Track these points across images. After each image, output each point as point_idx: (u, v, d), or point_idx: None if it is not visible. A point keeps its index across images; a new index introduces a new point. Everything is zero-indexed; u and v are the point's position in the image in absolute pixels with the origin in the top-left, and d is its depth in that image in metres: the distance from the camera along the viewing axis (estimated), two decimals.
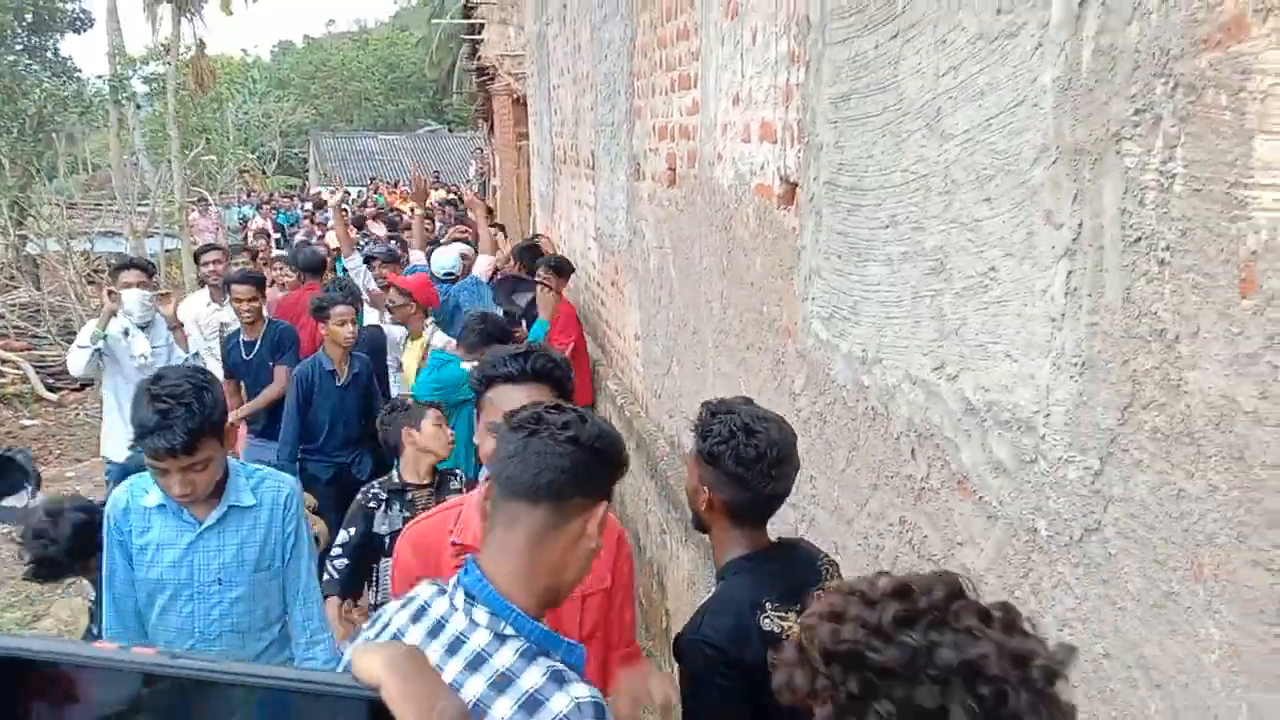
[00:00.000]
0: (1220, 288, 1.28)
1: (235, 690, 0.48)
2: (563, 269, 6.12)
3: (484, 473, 2.26)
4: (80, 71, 24.63)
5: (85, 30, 24.55)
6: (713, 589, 2.02)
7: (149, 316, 5.55)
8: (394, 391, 5.85)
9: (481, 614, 1.48)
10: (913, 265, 2.17)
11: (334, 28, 62.24)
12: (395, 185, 27.09)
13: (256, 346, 5.65)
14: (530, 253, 6.82)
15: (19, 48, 23.87)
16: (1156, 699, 1.43)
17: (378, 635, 1.58)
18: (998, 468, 1.84)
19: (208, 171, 21.31)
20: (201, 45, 22.23)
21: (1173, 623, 1.39)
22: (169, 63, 19.44)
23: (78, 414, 11.51)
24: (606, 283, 6.46)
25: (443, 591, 1.56)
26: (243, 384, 5.67)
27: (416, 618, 1.55)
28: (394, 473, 3.62)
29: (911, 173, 2.17)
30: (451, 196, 21.22)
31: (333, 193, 17.08)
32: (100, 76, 22.78)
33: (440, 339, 5.36)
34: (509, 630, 1.46)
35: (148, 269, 5.97)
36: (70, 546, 2.99)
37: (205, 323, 6.37)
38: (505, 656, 1.44)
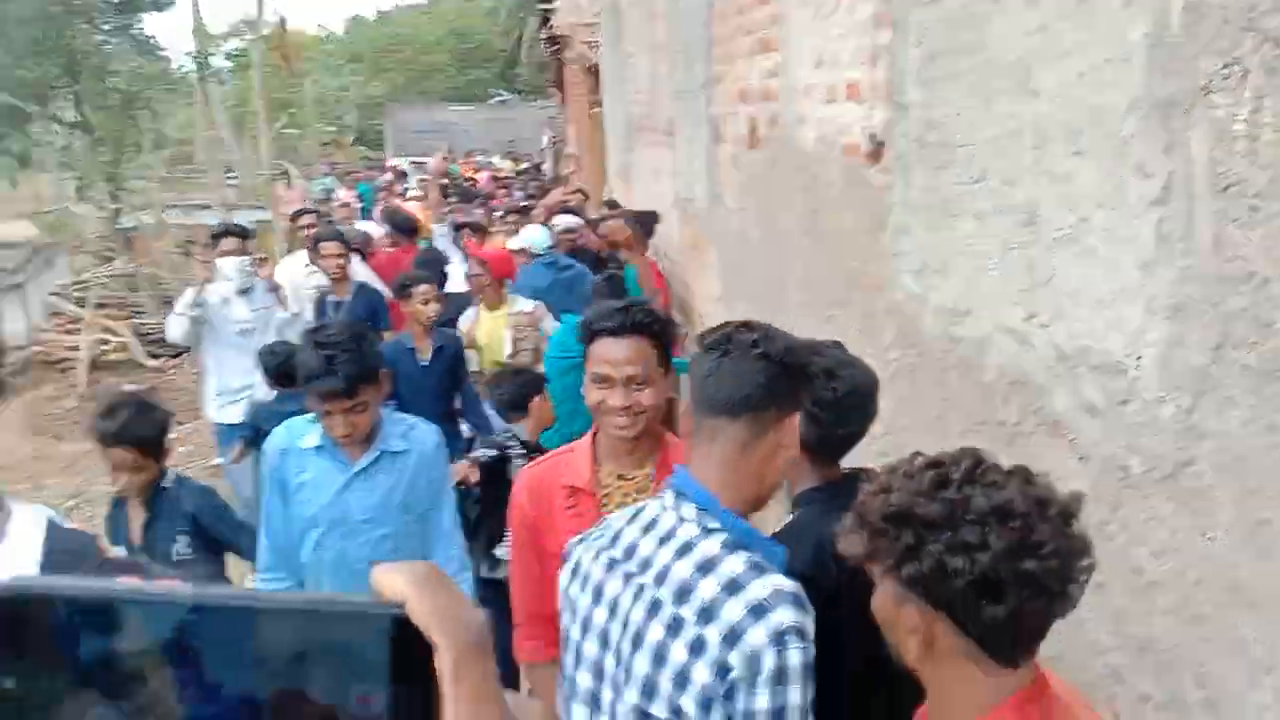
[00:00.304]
0: None
1: (258, 616, 0.46)
2: (648, 223, 6.21)
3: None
4: (165, 49, 25.33)
5: (167, 8, 25.16)
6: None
7: (249, 283, 5.75)
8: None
9: (689, 510, 1.60)
10: (1003, 218, 2.25)
11: (402, 0, 62.82)
12: (469, 155, 27.40)
13: (348, 307, 5.74)
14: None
15: (106, 28, 24.60)
16: (1249, 620, 1.52)
17: (600, 536, 1.76)
18: (1090, 410, 1.93)
19: (291, 145, 21.82)
20: (283, 21, 22.68)
21: (1265, 548, 1.48)
22: (252, 38, 19.89)
23: (177, 379, 12.01)
24: (687, 247, 6.57)
25: (655, 498, 1.72)
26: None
27: (632, 518, 1.71)
28: (508, 434, 3.86)
29: (1001, 129, 2.24)
30: (525, 166, 21.44)
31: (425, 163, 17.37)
32: (186, 53, 23.45)
33: (527, 303, 5.49)
34: (714, 524, 1.58)
35: (244, 234, 6.14)
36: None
37: (302, 284, 6.48)
38: (710, 546, 1.56)
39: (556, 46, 17.16)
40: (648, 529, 1.66)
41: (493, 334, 5.42)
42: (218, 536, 3.37)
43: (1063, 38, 1.97)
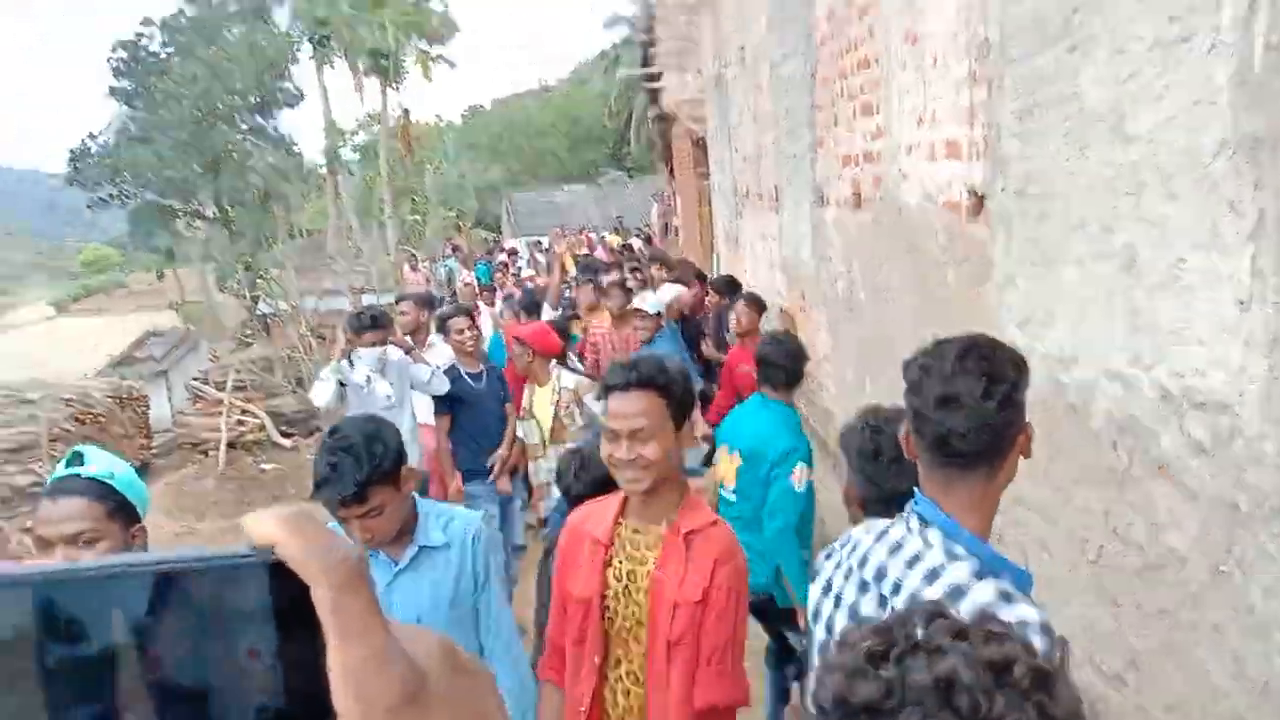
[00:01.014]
0: None
1: (128, 582, 0.43)
2: (761, 303, 6.31)
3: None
4: (297, 145, 26.92)
5: (298, 106, 26.81)
6: None
7: (380, 366, 5.82)
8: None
9: (935, 535, 1.62)
10: (1104, 264, 2.27)
11: (518, 88, 65.28)
12: (580, 232, 28.10)
13: (483, 378, 5.76)
14: (731, 284, 6.99)
15: (245, 128, 26.32)
16: None
17: (844, 545, 1.82)
18: (1197, 449, 1.92)
19: (415, 230, 22.79)
20: (406, 114, 23.88)
21: None
22: (378, 131, 21.00)
23: (311, 457, 12.53)
24: (794, 310, 6.63)
25: (899, 519, 1.74)
26: (459, 415, 5.70)
27: (879, 538, 1.74)
28: None
29: (1097, 176, 2.27)
30: (629, 241, 21.87)
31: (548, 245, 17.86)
32: (318, 149, 24.86)
33: (570, 379, 5.55)
34: (960, 550, 1.59)
35: (385, 325, 6.04)
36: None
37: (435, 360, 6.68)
38: (958, 573, 1.56)
39: (664, 123, 17.60)
40: (893, 551, 1.68)
41: (543, 408, 5.57)
42: None
43: (1152, 84, 2.01)
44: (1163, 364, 2.03)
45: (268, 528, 0.44)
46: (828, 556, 1.87)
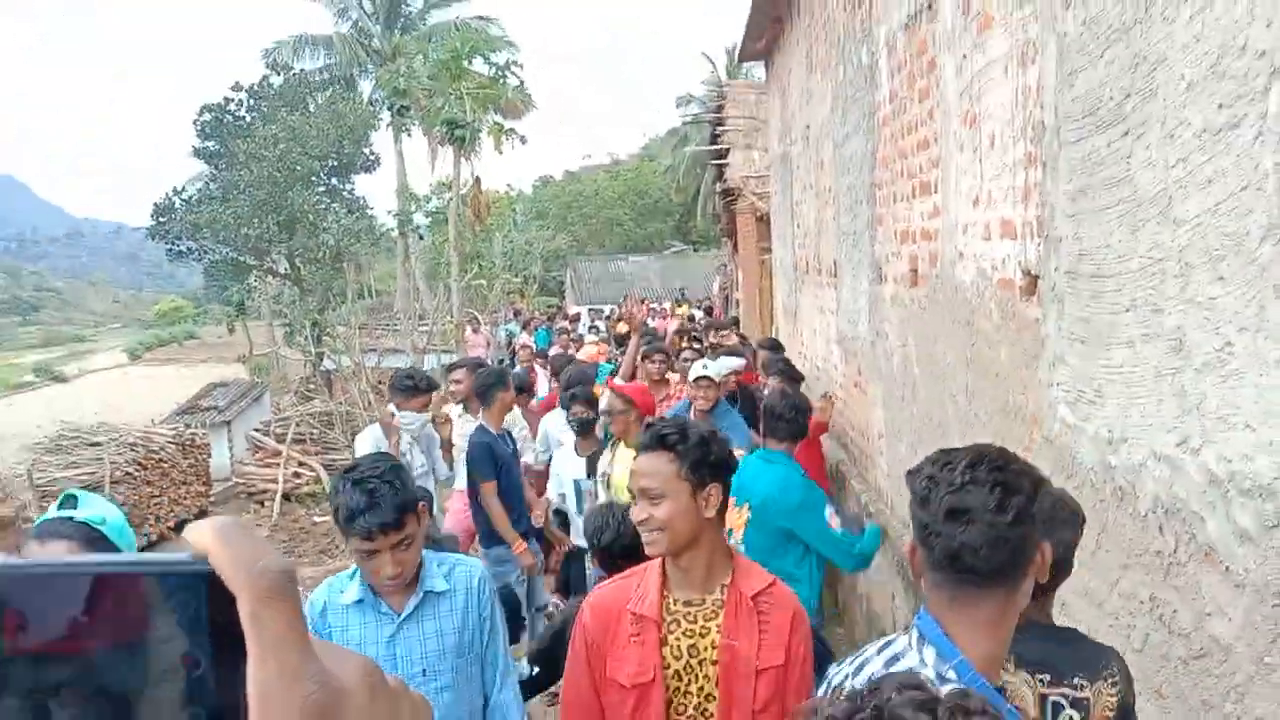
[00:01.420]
0: None
1: (69, 582, 0.43)
2: (796, 375, 6.29)
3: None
4: (371, 208, 27.64)
5: (374, 170, 27.60)
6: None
7: (419, 433, 5.80)
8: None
9: (930, 654, 1.54)
10: (1153, 346, 2.26)
11: (588, 161, 66.56)
12: (643, 302, 28.36)
13: (508, 440, 5.70)
14: (774, 346, 6.83)
15: (321, 189, 27.11)
16: None
17: (851, 662, 1.73)
18: (1242, 536, 1.89)
19: (479, 294, 23.19)
20: (478, 182, 24.46)
21: None
22: (450, 198, 21.51)
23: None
24: (849, 384, 6.61)
25: (906, 630, 1.67)
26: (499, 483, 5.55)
27: (880, 649, 1.67)
28: None
29: (1148, 258, 2.28)
30: (693, 311, 21.99)
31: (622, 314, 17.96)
32: (390, 212, 25.50)
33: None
34: (951, 674, 1.49)
35: (431, 389, 5.99)
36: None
37: (462, 433, 6.41)
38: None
39: (729, 198, 17.82)
40: (889, 664, 1.61)
41: (623, 467, 5.05)
42: None
43: (1202, 169, 2.02)
44: (1210, 447, 2.01)
45: (203, 536, 0.44)
46: (837, 667, 1.79)
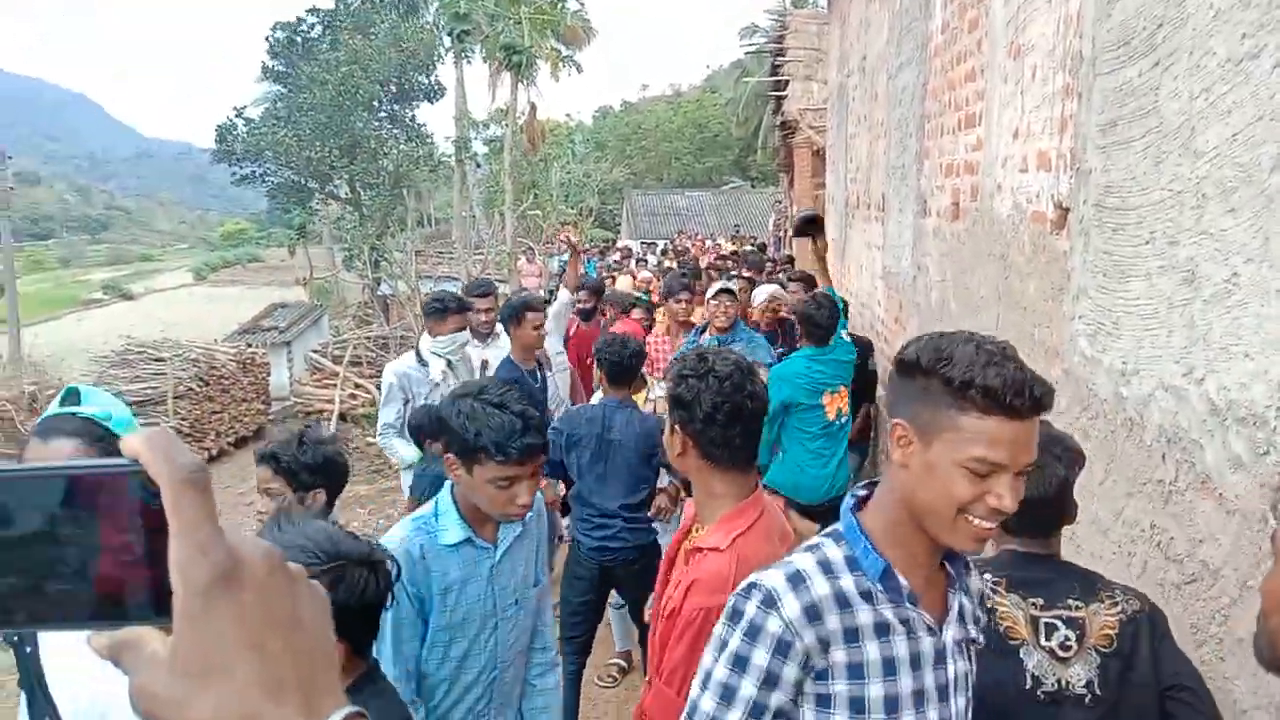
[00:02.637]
0: None
1: (32, 484, 0.53)
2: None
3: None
4: (431, 135, 27.77)
5: (437, 100, 27.63)
6: None
7: (458, 355, 5.24)
8: None
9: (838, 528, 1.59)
10: (1167, 277, 2.27)
11: (648, 92, 65.77)
12: (696, 236, 28.22)
13: (538, 376, 5.30)
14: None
15: (382, 115, 27.27)
16: None
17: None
18: (1235, 463, 1.92)
19: (535, 224, 23.26)
20: (534, 109, 24.41)
21: None
22: (506, 125, 21.51)
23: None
24: (890, 319, 6.61)
25: None
26: None
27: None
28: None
29: (1168, 190, 2.28)
30: (744, 248, 21.84)
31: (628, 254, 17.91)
32: (448, 138, 25.57)
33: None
34: (839, 526, 1.56)
35: (462, 310, 5.36)
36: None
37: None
38: (847, 583, 1.49)
39: (787, 131, 17.59)
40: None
41: None
42: None
43: (1223, 99, 2.02)
44: (1212, 377, 2.03)
45: (135, 444, 0.53)
46: None
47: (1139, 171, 2.46)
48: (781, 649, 1.43)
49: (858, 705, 1.45)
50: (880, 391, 6.11)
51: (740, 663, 1.46)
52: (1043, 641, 1.89)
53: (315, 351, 17.61)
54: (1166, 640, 1.89)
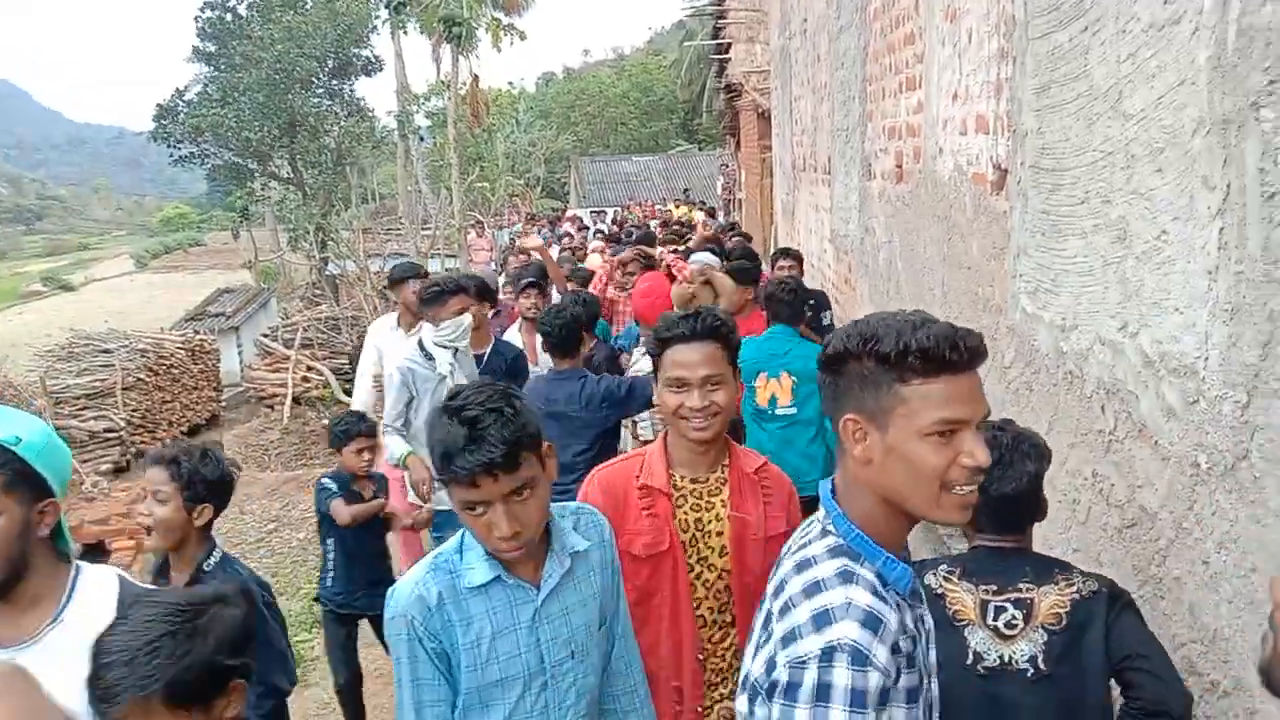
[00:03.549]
0: None
1: None
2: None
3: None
4: (372, 111, 27.33)
5: (376, 73, 27.18)
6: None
7: (461, 342, 4.69)
8: None
9: (821, 511, 1.53)
10: (1102, 235, 2.37)
11: (590, 57, 65.31)
12: (646, 203, 28.21)
13: (485, 362, 4.86)
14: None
15: (320, 91, 26.80)
16: None
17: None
18: (1169, 412, 2.02)
19: (482, 196, 23.07)
20: (476, 80, 24.13)
21: None
22: (449, 97, 21.26)
23: None
24: (840, 281, 6.71)
25: None
26: None
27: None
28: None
29: (1099, 151, 2.36)
30: (696, 213, 21.89)
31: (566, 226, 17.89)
32: (390, 112, 25.23)
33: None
34: (830, 527, 1.48)
35: (458, 290, 4.71)
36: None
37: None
38: (817, 548, 1.45)
39: (731, 94, 17.61)
40: (803, 531, 1.58)
41: None
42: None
43: (1148, 63, 2.10)
44: (1146, 331, 2.13)
45: None
46: None
47: (1072, 133, 2.55)
48: (883, 698, 1.33)
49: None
50: None
51: None
52: (989, 621, 1.97)
53: (265, 335, 17.41)
54: (1124, 616, 1.91)
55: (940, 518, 1.44)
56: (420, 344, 4.57)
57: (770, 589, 1.50)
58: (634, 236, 11.40)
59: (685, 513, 2.34)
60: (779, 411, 4.42)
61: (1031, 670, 1.92)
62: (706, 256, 6.82)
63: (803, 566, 1.44)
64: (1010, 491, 2.01)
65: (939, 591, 2.04)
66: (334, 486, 4.07)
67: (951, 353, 1.36)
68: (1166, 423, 2.04)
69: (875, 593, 1.38)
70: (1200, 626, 1.92)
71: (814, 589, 1.39)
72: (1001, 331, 3.19)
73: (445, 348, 4.48)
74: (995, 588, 2.00)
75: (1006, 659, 1.94)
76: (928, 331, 1.37)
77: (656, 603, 2.33)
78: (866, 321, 1.44)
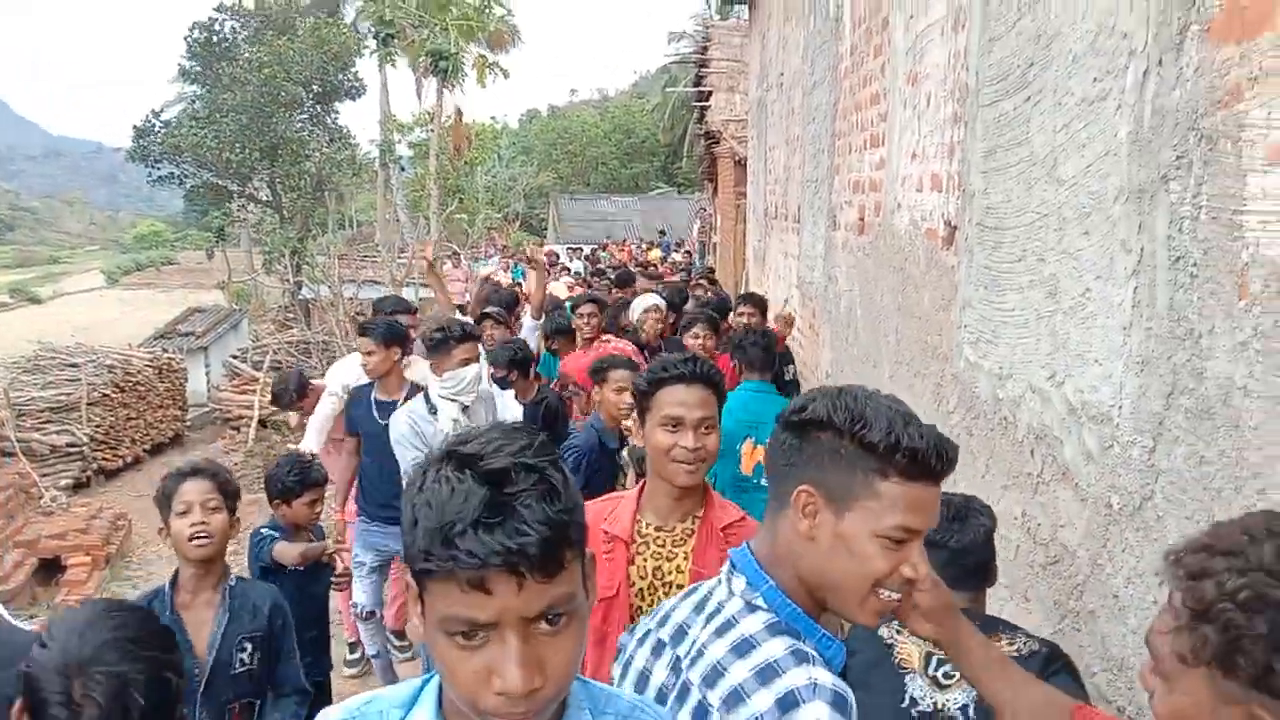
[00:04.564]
0: (1226, 292, 1.63)
1: None
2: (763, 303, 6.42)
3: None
4: (354, 137, 27.47)
5: (359, 98, 27.39)
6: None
7: (475, 392, 4.39)
8: None
9: (739, 583, 1.45)
10: (1036, 291, 2.53)
11: (576, 97, 65.89)
12: (623, 243, 28.50)
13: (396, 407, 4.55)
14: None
15: (304, 117, 26.94)
16: None
17: (651, 618, 1.61)
18: (1088, 456, 2.18)
19: (460, 228, 23.23)
20: (459, 114, 24.39)
21: None
22: (432, 130, 21.48)
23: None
24: (805, 327, 6.89)
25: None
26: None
27: (686, 596, 1.59)
28: None
29: (1036, 213, 2.54)
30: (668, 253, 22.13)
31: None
32: (372, 141, 25.40)
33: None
34: (759, 601, 1.41)
35: (469, 338, 4.38)
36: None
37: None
38: (752, 625, 1.38)
39: (711, 141, 17.92)
40: (699, 608, 1.51)
41: None
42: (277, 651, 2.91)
43: (1079, 134, 2.28)
44: (1070, 380, 2.29)
45: None
46: (630, 633, 1.66)
47: (1014, 195, 2.73)
48: None
49: None
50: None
51: None
52: (929, 671, 2.09)
53: (234, 357, 17.40)
54: (1057, 678, 1.94)
55: (855, 617, 1.40)
56: (425, 397, 4.29)
57: (698, 676, 1.39)
58: (614, 277, 11.61)
59: (645, 560, 2.36)
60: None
61: (961, 718, 2.03)
62: (652, 298, 6.90)
63: (744, 649, 1.34)
64: (969, 544, 2.14)
65: (889, 642, 2.17)
66: (275, 534, 3.73)
67: (938, 461, 1.33)
68: (1085, 466, 2.19)
69: (826, 667, 1.32)
70: (1110, 657, 2.06)
71: (769, 673, 1.30)
72: (946, 378, 3.35)
73: (451, 400, 4.20)
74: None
75: (939, 705, 2.05)
76: (919, 431, 1.33)
77: (609, 645, 2.30)
78: (852, 397, 1.38)
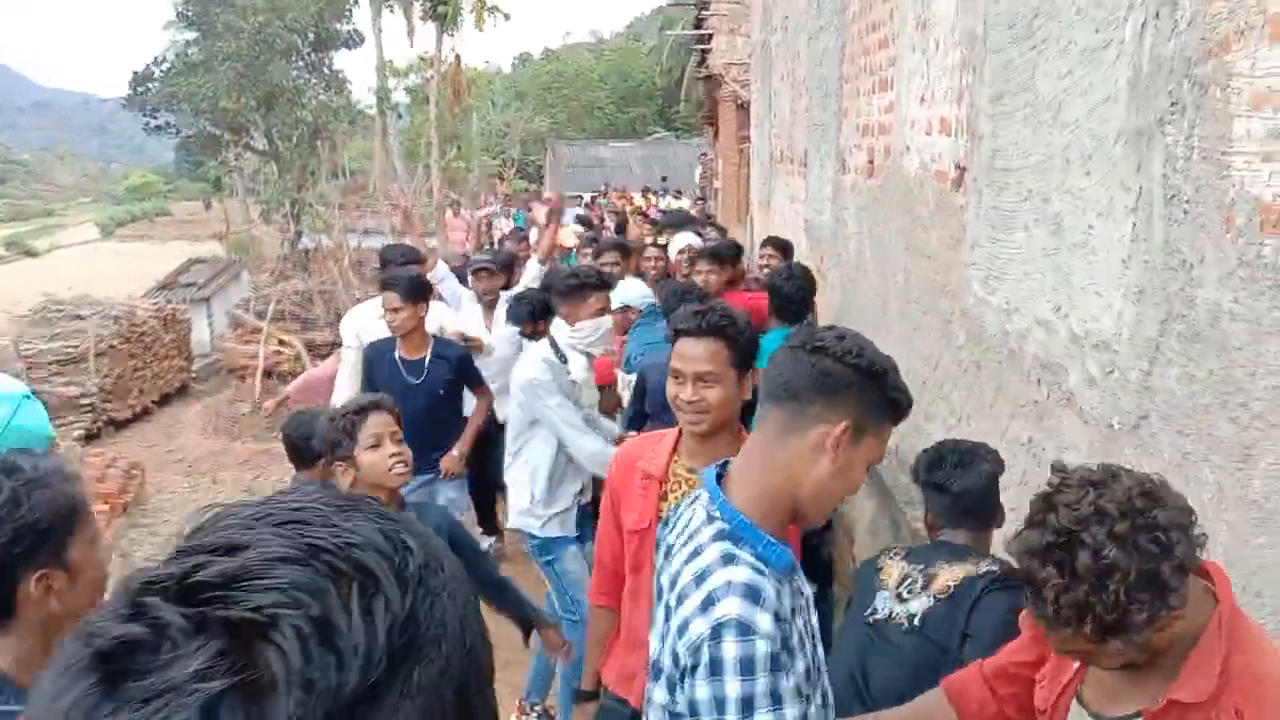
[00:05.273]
0: (1214, 226, 1.80)
1: None
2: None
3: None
4: (350, 84, 27.34)
5: (356, 47, 27.20)
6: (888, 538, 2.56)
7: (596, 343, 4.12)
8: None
9: (704, 498, 1.62)
10: (1041, 229, 2.70)
11: (570, 39, 65.25)
12: (622, 191, 28.48)
13: (426, 373, 4.49)
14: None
15: (300, 64, 26.76)
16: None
17: (671, 520, 1.76)
18: (1090, 382, 2.36)
19: (458, 176, 23.21)
20: (459, 59, 24.23)
21: (1189, 476, 1.91)
22: (431, 76, 21.36)
23: None
24: (813, 270, 7.04)
25: None
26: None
27: (692, 502, 1.71)
28: None
29: (1041, 154, 2.70)
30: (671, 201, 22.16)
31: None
32: (369, 89, 25.27)
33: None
34: (715, 513, 1.56)
35: (605, 286, 4.11)
36: None
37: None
38: (703, 535, 1.55)
39: (711, 84, 17.90)
40: (683, 530, 1.67)
41: None
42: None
43: (1082, 80, 2.43)
44: (1074, 312, 2.47)
45: None
46: (664, 525, 1.82)
47: (1020, 138, 2.88)
48: (774, 663, 1.43)
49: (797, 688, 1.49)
50: None
51: (774, 699, 1.43)
52: (897, 588, 2.32)
53: (237, 307, 17.49)
54: (990, 597, 2.16)
55: (818, 520, 1.66)
56: (553, 343, 4.03)
57: (666, 582, 1.62)
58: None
59: (677, 498, 2.38)
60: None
61: (906, 625, 2.25)
62: (689, 236, 6.99)
63: (693, 556, 1.55)
64: (970, 486, 2.35)
65: (879, 565, 2.43)
66: None
67: (906, 410, 1.63)
68: (1088, 391, 2.38)
69: (755, 569, 1.48)
70: None
71: (702, 576, 1.50)
72: (956, 315, 3.53)
73: (580, 351, 4.00)
74: (922, 565, 2.34)
75: (893, 614, 2.30)
76: (905, 388, 1.61)
77: (645, 574, 2.41)
78: (874, 350, 1.59)
